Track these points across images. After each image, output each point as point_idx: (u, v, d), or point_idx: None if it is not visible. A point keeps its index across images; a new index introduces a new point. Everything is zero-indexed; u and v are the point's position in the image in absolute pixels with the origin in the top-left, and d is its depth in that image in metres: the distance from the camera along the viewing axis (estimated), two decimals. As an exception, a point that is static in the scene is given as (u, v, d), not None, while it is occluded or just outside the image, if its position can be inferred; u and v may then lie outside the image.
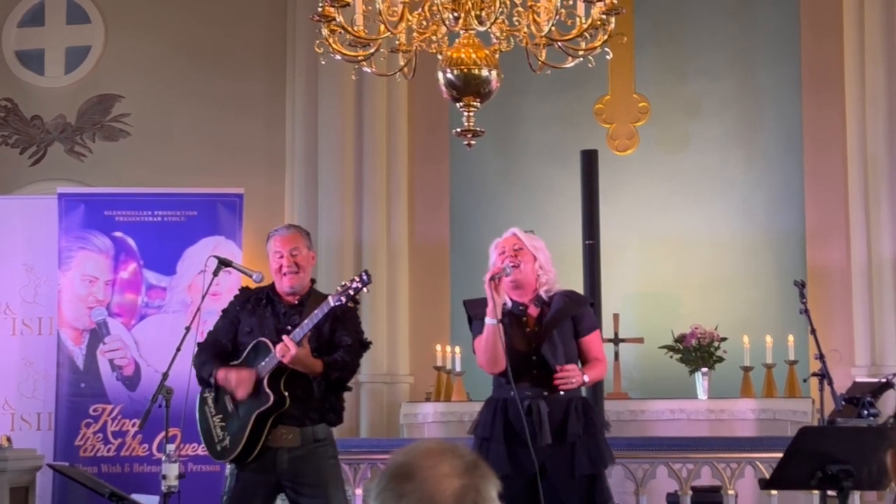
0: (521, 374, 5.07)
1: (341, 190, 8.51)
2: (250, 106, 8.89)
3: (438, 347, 8.19)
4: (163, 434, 5.68)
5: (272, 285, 5.37)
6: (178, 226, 7.90)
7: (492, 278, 4.98)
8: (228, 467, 5.39)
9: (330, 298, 5.02)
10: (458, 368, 8.10)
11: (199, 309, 5.72)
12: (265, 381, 5.13)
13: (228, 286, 7.57)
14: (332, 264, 8.28)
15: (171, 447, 5.31)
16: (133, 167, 8.85)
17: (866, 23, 8.05)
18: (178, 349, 5.49)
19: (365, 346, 5.33)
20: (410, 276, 8.64)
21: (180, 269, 7.85)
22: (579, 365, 5.21)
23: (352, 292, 4.99)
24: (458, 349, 8.06)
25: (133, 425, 7.54)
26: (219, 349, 5.31)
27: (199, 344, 5.42)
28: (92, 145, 9.08)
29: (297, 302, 5.28)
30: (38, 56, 9.22)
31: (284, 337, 5.04)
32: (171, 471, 5.24)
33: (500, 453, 4.98)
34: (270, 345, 5.16)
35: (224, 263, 5.70)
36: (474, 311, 5.20)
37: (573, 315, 5.17)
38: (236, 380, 5.17)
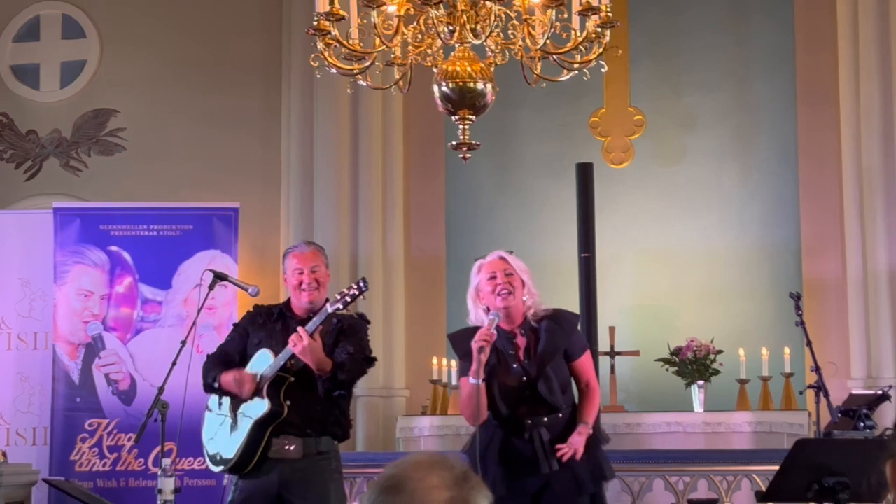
0: (517, 404, 5.04)
1: (337, 204, 8.50)
2: (246, 120, 8.89)
3: (434, 361, 8.18)
4: (158, 448, 5.67)
5: (287, 302, 5.39)
6: (173, 240, 7.89)
7: (480, 349, 4.88)
8: (227, 478, 5.39)
9: (327, 305, 5.04)
10: (454, 382, 8.08)
11: (194, 323, 5.73)
12: (265, 390, 5.14)
13: (224, 300, 7.61)
14: (329, 278, 8.27)
15: (166, 462, 5.31)
16: (128, 181, 8.84)
17: (860, 36, 8.06)
18: (174, 363, 5.50)
19: (370, 360, 5.33)
20: (406, 289, 8.63)
21: (176, 284, 7.84)
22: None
23: (349, 299, 5.00)
24: (454, 363, 8.03)
25: (129, 440, 7.53)
26: (226, 360, 5.33)
27: (208, 355, 5.44)
28: (87, 160, 9.07)
29: (307, 318, 5.29)
30: (33, 71, 9.21)
31: (299, 328, 5.04)
32: (167, 485, 5.23)
33: (497, 476, 4.96)
34: (272, 354, 5.17)
35: (220, 277, 5.71)
36: (461, 348, 5.12)
37: (564, 347, 5.13)
38: (236, 379, 5.18)
